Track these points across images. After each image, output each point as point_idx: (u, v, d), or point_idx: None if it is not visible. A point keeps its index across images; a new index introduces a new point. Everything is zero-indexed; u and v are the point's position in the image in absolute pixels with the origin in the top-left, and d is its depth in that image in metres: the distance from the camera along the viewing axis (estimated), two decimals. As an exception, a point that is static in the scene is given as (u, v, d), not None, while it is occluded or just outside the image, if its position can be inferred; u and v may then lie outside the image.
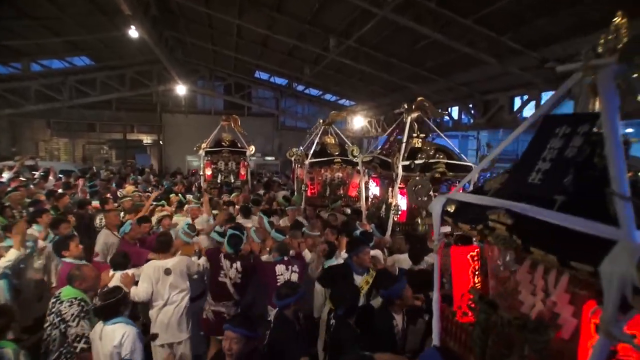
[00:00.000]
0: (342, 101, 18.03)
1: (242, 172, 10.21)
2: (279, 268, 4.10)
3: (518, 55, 7.07)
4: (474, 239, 2.28)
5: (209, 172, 9.97)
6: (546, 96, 7.83)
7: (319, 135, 8.52)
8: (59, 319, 3.06)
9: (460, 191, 2.48)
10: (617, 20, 1.53)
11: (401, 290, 3.13)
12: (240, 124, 10.30)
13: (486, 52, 7.27)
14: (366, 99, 14.79)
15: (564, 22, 5.93)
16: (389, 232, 5.34)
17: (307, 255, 4.72)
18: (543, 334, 1.64)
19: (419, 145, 5.76)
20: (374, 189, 6.78)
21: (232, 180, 10.03)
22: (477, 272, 2.27)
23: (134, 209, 6.40)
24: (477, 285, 2.26)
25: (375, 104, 14.87)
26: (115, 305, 2.87)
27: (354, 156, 7.19)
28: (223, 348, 2.53)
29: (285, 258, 4.19)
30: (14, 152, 13.93)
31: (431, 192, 4.99)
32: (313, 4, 8.20)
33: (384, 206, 6.00)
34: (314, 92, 18.63)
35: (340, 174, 8.20)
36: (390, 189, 5.81)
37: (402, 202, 5.51)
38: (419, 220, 5.33)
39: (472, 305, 2.09)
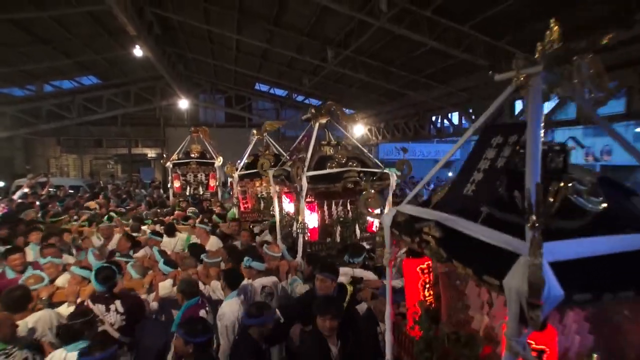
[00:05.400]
0: (341, 110, 17.91)
1: (212, 183, 9.85)
2: (202, 314, 3.21)
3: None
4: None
5: (177, 184, 9.65)
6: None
7: (251, 146, 7.68)
8: None
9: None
10: (551, 27, 1.47)
11: (264, 324, 2.79)
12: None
13: (484, 57, 7.11)
14: (366, 107, 14.66)
15: (562, 26, 5.76)
16: (299, 255, 4.57)
17: (214, 284, 3.86)
18: (473, 348, 1.58)
19: (330, 153, 5.07)
20: (288, 206, 5.67)
21: (201, 192, 9.69)
22: (427, 285, 2.21)
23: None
24: (427, 298, 2.19)
25: (375, 111, 14.76)
26: (80, 327, 2.63)
27: (264, 171, 6.23)
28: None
29: (200, 300, 3.34)
30: (28, 169, 14.12)
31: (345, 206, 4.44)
32: (310, 16, 8.07)
33: (295, 224, 5.10)
34: (313, 101, 18.52)
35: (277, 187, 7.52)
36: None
37: (311, 219, 4.75)
38: (336, 238, 4.76)
39: (417, 319, 2.02)
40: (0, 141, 14.36)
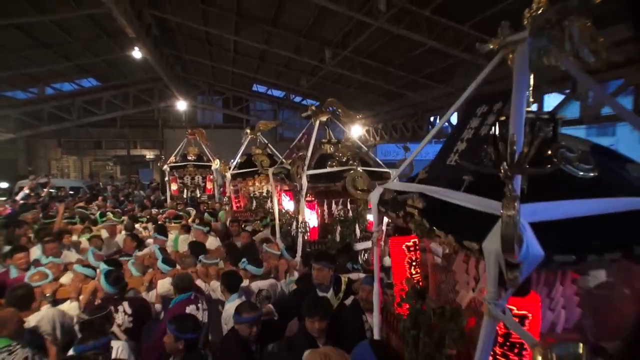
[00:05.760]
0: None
1: (209, 186, 9.81)
2: (190, 310, 3.18)
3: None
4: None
5: (174, 187, 9.63)
6: (548, 98, 7.60)
7: (244, 145, 7.70)
8: None
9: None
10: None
11: (251, 322, 2.76)
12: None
13: (484, 56, 7.11)
14: (364, 108, 14.65)
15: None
16: (299, 254, 4.50)
17: (214, 284, 3.81)
18: (458, 321, 1.57)
19: (330, 151, 5.04)
20: (287, 204, 5.75)
21: (199, 195, 9.60)
22: (414, 263, 2.20)
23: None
24: (414, 276, 2.18)
25: (374, 112, 14.74)
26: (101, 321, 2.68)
27: (264, 168, 6.26)
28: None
29: (192, 295, 3.31)
30: (30, 171, 14.25)
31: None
32: (308, 17, 8.06)
33: (294, 223, 5.09)
34: (311, 102, 18.52)
35: (269, 187, 7.28)
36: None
37: (311, 218, 4.72)
38: (336, 237, 4.68)
39: (403, 296, 2.01)
40: (4, 143, 14.43)
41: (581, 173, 1.41)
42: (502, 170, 1.07)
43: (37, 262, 4.27)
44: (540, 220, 1.14)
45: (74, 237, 5.59)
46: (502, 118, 1.49)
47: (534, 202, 1.19)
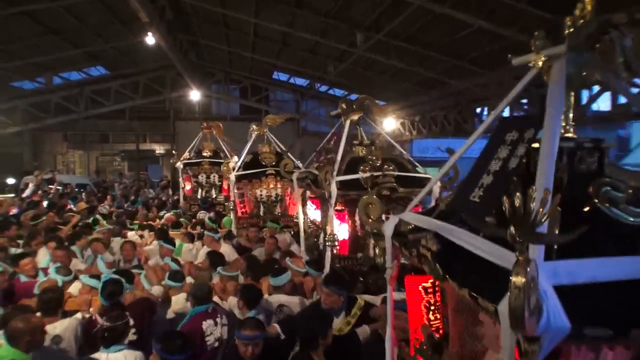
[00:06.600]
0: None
1: (226, 185, 9.32)
2: (207, 325, 3.23)
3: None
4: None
5: (188, 186, 9.66)
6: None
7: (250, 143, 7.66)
8: None
9: (415, 210, 2.30)
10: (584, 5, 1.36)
11: (252, 340, 2.83)
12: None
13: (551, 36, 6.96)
14: (399, 98, 14.59)
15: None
16: (326, 270, 4.35)
17: (232, 301, 3.85)
18: None
19: (363, 154, 4.90)
20: (313, 213, 5.65)
21: (214, 195, 9.55)
22: (432, 308, 2.09)
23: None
24: (432, 323, 2.06)
25: (409, 103, 14.57)
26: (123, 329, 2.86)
27: (287, 172, 6.21)
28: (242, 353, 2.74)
29: (210, 308, 3.37)
30: (36, 166, 15.11)
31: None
32: (337, -4, 8.12)
33: (321, 235, 5.00)
34: (338, 92, 18.64)
35: (279, 190, 7.23)
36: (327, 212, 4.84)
37: (340, 230, 4.64)
38: (369, 252, 4.54)
39: (417, 347, 1.93)
40: (10, 137, 15.48)
41: (631, 219, 1.28)
42: (509, 235, 1.00)
43: (46, 270, 4.49)
44: (565, 283, 1.05)
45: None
46: (536, 145, 1.40)
47: (561, 259, 1.10)
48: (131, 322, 3.19)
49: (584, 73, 1.40)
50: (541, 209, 0.98)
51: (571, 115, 1.57)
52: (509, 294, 0.97)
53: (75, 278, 4.24)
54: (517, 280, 0.95)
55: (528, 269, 0.95)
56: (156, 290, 4.18)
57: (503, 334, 1.10)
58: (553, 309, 0.98)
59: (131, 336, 3.17)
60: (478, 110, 11.96)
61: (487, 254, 1.23)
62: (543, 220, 0.98)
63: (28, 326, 2.74)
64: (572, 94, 1.50)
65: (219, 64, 17.57)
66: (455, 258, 1.44)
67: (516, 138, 1.48)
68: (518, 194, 0.99)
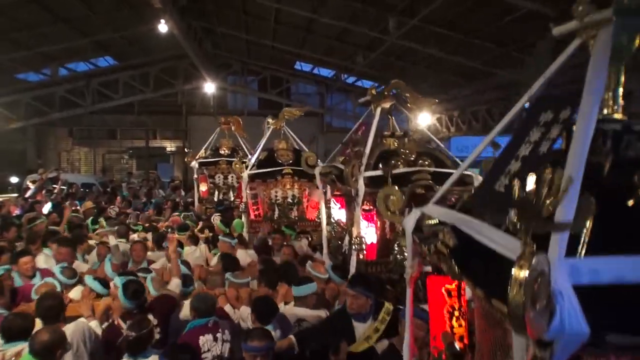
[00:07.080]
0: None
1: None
2: (204, 340, 3.23)
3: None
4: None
5: (204, 187, 9.68)
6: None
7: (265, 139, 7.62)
8: None
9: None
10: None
11: (260, 352, 2.87)
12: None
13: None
14: (435, 91, 14.29)
15: None
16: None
17: (245, 312, 3.87)
18: None
19: (394, 147, 4.74)
20: (338, 213, 5.53)
21: (232, 198, 9.44)
22: (456, 313, 2.05)
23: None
24: (455, 330, 2.03)
25: (448, 96, 14.36)
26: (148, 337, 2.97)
27: (309, 166, 6.06)
28: None
29: (211, 322, 3.35)
30: (40, 164, 15.62)
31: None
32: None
33: (346, 237, 4.92)
34: (367, 84, 18.42)
35: (296, 191, 7.14)
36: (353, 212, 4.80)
37: (368, 232, 4.55)
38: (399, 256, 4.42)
39: (436, 355, 1.94)
40: (13, 133, 16.03)
41: None
42: (509, 221, 1.00)
43: (45, 271, 4.62)
44: (582, 283, 1.01)
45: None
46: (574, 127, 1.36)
47: (590, 256, 1.06)
48: (154, 322, 3.32)
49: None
50: (553, 194, 0.95)
51: (620, 92, 1.50)
52: (508, 287, 0.96)
53: (79, 281, 4.34)
54: (519, 273, 0.93)
55: (533, 262, 0.92)
56: (174, 285, 4.27)
57: (515, 339, 1.12)
58: (569, 311, 0.94)
59: (155, 335, 3.30)
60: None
61: (505, 249, 1.19)
62: (549, 204, 0.95)
63: (56, 337, 2.83)
64: (623, 68, 1.43)
65: (236, 53, 17.76)
66: (473, 255, 1.43)
67: (550, 119, 1.44)
68: (530, 176, 0.98)
